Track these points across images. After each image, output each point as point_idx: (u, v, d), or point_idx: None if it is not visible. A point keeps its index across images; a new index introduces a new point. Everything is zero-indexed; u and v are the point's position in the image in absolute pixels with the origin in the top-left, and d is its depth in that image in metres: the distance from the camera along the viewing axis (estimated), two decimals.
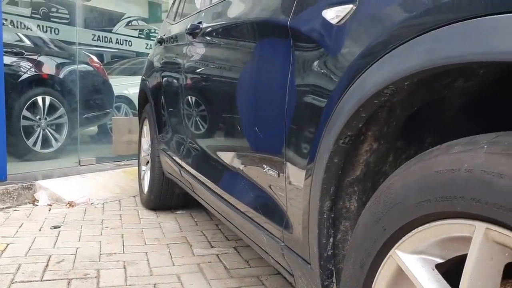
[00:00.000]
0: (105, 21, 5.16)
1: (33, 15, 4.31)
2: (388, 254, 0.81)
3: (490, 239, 0.64)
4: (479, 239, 0.65)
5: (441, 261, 0.76)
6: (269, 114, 1.34)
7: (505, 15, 0.62)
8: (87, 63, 5.46)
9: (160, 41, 3.13)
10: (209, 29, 2.01)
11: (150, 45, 5.45)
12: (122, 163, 4.70)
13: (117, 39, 4.93)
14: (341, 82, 0.95)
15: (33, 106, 4.80)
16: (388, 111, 0.91)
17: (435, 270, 0.76)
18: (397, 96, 0.85)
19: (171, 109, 2.67)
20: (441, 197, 0.69)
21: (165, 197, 3.22)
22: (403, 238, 0.78)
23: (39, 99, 4.83)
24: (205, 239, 2.73)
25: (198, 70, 2.14)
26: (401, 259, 0.79)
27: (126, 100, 6.88)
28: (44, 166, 4.44)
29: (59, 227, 2.90)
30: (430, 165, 0.73)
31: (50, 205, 3.44)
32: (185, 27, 2.34)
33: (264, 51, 1.42)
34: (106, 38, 4.96)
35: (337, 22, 0.99)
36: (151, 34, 5.53)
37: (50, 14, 4.48)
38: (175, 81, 2.54)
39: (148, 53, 5.83)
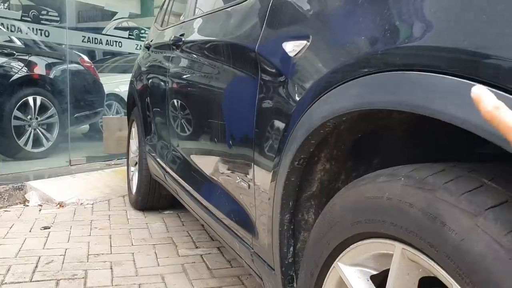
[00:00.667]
0: (96, 21, 5.24)
1: (23, 17, 4.38)
2: (332, 266, 0.93)
3: (406, 257, 0.76)
4: (397, 257, 0.77)
5: (375, 272, 0.88)
6: (241, 130, 1.45)
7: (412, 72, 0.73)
8: (78, 63, 5.54)
9: (148, 47, 3.23)
10: (190, 44, 2.12)
11: (140, 46, 5.53)
12: (112, 163, 4.80)
13: (107, 40, 5.01)
14: (296, 111, 1.06)
15: (24, 106, 4.88)
16: (336, 137, 1.03)
17: (369, 280, 0.88)
18: (342, 125, 0.96)
19: (157, 115, 2.77)
20: (369, 219, 0.81)
21: (153, 198, 3.33)
22: (343, 252, 0.90)
23: (30, 99, 4.91)
24: (191, 239, 2.85)
25: (180, 81, 2.24)
26: (342, 270, 0.91)
27: (117, 98, 6.95)
28: (35, 166, 4.53)
29: (49, 228, 3.00)
30: (361, 191, 0.84)
31: (41, 206, 3.54)
32: (170, 37, 2.44)
33: (237, 70, 1.53)
34: (96, 40, 5.04)
35: (294, 55, 1.10)
36: (141, 34, 5.61)
37: (40, 16, 4.55)
38: (160, 88, 2.64)
39: (138, 53, 5.94)
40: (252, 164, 1.34)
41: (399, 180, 0.76)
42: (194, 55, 2.06)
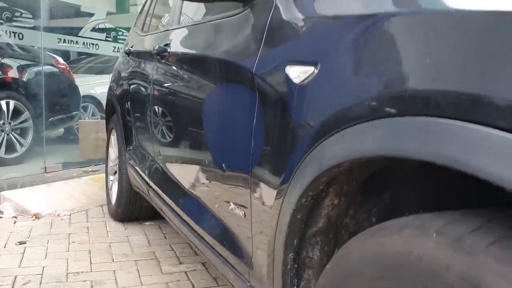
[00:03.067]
0: (72, 22, 5.07)
1: None
2: None
3: None
4: None
5: None
6: (237, 157, 1.36)
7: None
8: (53, 65, 5.36)
9: (128, 53, 3.11)
10: (176, 56, 2.02)
11: (118, 48, 5.37)
12: (90, 169, 4.65)
13: (83, 42, 4.85)
14: (303, 144, 0.98)
15: None
16: (347, 173, 0.95)
17: None
18: (355, 164, 0.89)
19: (139, 125, 2.66)
20: (394, 276, 0.73)
21: (133, 210, 3.21)
22: None
23: (3, 103, 4.72)
24: (174, 254, 2.74)
25: (165, 95, 2.14)
26: None
27: (93, 100, 6.77)
28: (8, 172, 4.35)
29: (25, 243, 2.86)
30: (384, 243, 0.76)
31: (16, 217, 3.38)
32: (153, 46, 2.33)
33: (232, 91, 1.44)
34: (72, 42, 4.87)
35: (299, 82, 1.02)
36: (119, 36, 5.45)
37: (14, 18, 4.37)
38: (142, 98, 2.53)
39: (116, 56, 5.77)
40: (250, 194, 1.25)
41: (431, 236, 0.68)
42: (181, 69, 1.96)
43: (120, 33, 5.48)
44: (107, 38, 5.17)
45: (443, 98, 0.67)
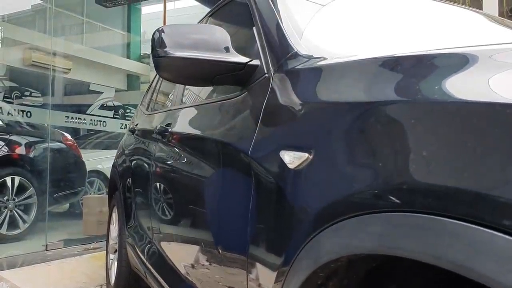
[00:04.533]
0: (81, 100, 5.19)
1: (5, 99, 4.30)
2: None
3: None
4: None
5: None
6: (232, 240, 1.30)
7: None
8: (60, 141, 5.42)
9: (133, 131, 3.12)
10: (176, 136, 2.01)
11: (125, 125, 5.45)
12: (91, 247, 4.55)
13: (91, 120, 4.93)
14: (299, 234, 0.92)
15: (1, 187, 4.69)
16: (347, 267, 0.89)
17: None
18: (355, 257, 0.83)
19: (138, 203, 2.61)
20: None
21: None
22: None
23: (8, 179, 4.73)
24: None
25: (165, 173, 2.11)
26: None
27: (100, 175, 6.79)
28: (9, 249, 4.27)
29: None
30: None
31: None
32: (156, 126, 2.34)
33: (228, 173, 1.41)
34: (80, 120, 4.95)
35: (294, 167, 0.98)
36: (126, 114, 5.55)
37: (23, 97, 4.48)
38: (143, 177, 2.50)
39: (123, 133, 5.84)
40: (246, 278, 1.19)
41: None
42: (181, 149, 1.94)
43: (128, 110, 5.58)
44: (115, 116, 5.26)
45: (443, 194, 0.62)
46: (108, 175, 6.79)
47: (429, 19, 1.85)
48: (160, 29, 1.50)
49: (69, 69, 7.90)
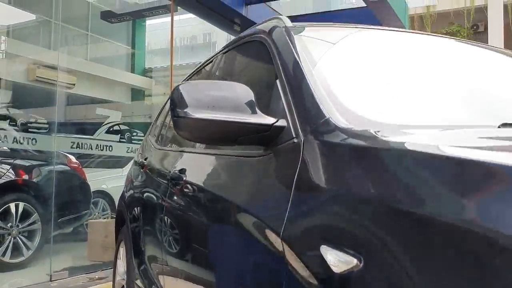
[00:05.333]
0: (87, 126, 5.11)
1: (10, 125, 4.22)
2: None
3: None
4: None
5: None
6: None
7: None
8: (65, 164, 5.32)
9: (141, 165, 3.02)
10: (192, 188, 1.90)
11: (132, 149, 5.35)
12: (96, 276, 4.44)
13: (97, 144, 4.84)
14: None
15: (5, 213, 4.59)
16: None
17: None
18: None
19: (149, 248, 2.51)
20: None
21: None
22: None
23: (12, 206, 4.63)
24: None
25: (176, 223, 2.01)
26: None
27: (104, 195, 6.70)
28: (13, 278, 4.17)
29: None
30: None
31: None
32: (169, 170, 2.24)
33: (253, 246, 1.30)
34: (86, 145, 4.87)
35: (340, 272, 0.88)
36: (133, 137, 5.46)
37: (29, 124, 4.40)
38: (154, 220, 2.40)
39: (130, 156, 5.73)
40: None
41: None
42: (197, 205, 1.83)
43: (134, 133, 5.50)
44: (121, 139, 5.17)
45: None
46: (113, 195, 6.74)
47: (468, 69, 1.75)
48: (179, 87, 1.41)
49: (73, 84, 7.87)
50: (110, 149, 4.97)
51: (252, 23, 6.69)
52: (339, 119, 1.19)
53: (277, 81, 1.53)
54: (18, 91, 8.11)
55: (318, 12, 7.21)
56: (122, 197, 3.36)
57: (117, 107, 8.77)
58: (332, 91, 1.34)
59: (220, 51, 2.47)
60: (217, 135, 1.41)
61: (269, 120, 1.36)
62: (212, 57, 2.60)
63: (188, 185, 1.94)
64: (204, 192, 1.81)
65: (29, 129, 4.42)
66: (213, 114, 1.33)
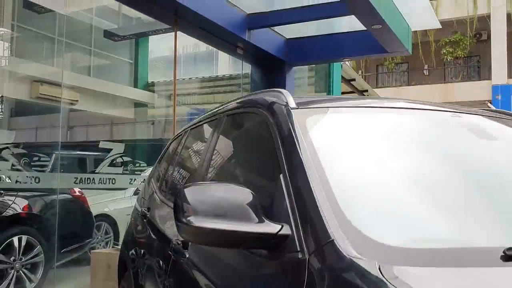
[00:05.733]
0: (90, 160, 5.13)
1: (13, 167, 4.22)
2: None
3: None
4: None
5: None
6: None
7: None
8: (68, 193, 5.33)
9: (144, 216, 3.02)
10: (195, 270, 1.89)
11: (135, 180, 5.35)
12: None
13: (100, 178, 4.84)
14: None
15: (8, 247, 4.59)
16: None
17: None
18: None
19: None
20: None
21: None
22: None
23: (15, 239, 4.63)
24: None
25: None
26: None
27: (107, 218, 6.69)
28: None
29: None
30: None
31: None
32: (171, 239, 2.22)
33: None
34: (88, 180, 4.87)
35: None
36: (135, 168, 5.46)
37: (32, 163, 4.40)
38: (157, 276, 2.39)
39: (133, 189, 5.71)
40: None
41: None
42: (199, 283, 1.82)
43: (137, 165, 5.50)
44: (124, 172, 5.17)
45: None
46: (115, 218, 6.73)
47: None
48: (185, 191, 1.41)
49: (77, 101, 7.90)
50: (113, 182, 4.98)
51: (255, 47, 6.69)
52: (344, 243, 1.17)
53: (281, 176, 1.52)
54: (20, 108, 8.16)
55: (321, 35, 7.18)
56: (125, 242, 3.36)
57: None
58: (337, 201, 1.32)
59: (220, 110, 2.47)
60: (220, 242, 1.40)
61: (273, 228, 1.35)
62: (212, 115, 2.60)
63: (190, 263, 1.93)
64: (207, 278, 1.79)
65: (33, 168, 4.43)
66: (216, 223, 1.33)
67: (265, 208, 1.46)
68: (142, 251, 2.84)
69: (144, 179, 6.48)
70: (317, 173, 1.41)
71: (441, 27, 6.59)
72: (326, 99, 2.30)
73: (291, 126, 1.64)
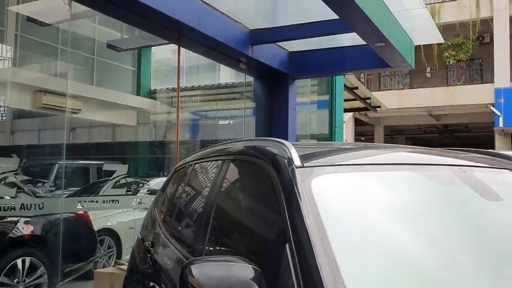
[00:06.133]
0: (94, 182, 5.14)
1: (17, 194, 4.23)
2: None
3: None
4: None
5: None
6: None
7: None
8: (72, 213, 5.33)
9: (147, 250, 3.02)
10: None
11: (138, 200, 5.35)
12: None
13: (103, 200, 4.85)
14: None
15: (12, 269, 4.60)
16: None
17: None
18: None
19: None
20: None
21: None
22: None
23: (19, 262, 4.64)
24: None
25: None
26: None
27: (110, 232, 6.69)
28: None
29: None
30: None
31: None
32: (175, 281, 2.23)
33: None
34: (92, 203, 4.87)
35: None
36: (139, 189, 5.47)
37: (36, 189, 4.41)
38: None
39: (137, 207, 5.71)
40: None
41: None
42: None
43: (140, 185, 5.50)
44: (128, 192, 5.17)
45: None
46: (118, 232, 6.74)
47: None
48: (191, 268, 1.42)
49: (79, 109, 7.92)
50: (117, 203, 4.98)
51: (258, 62, 6.69)
52: None
53: (287, 247, 1.52)
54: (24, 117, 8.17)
55: (324, 48, 7.18)
56: (130, 275, 3.36)
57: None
58: (344, 282, 1.32)
59: (225, 152, 2.48)
60: None
61: None
62: (217, 154, 2.60)
63: None
64: None
65: (37, 194, 4.44)
66: None
67: (271, 281, 1.47)
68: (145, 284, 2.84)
69: (148, 189, 6.52)
70: (324, 251, 1.41)
71: (443, 41, 6.57)
72: (329, 150, 2.30)
73: (296, 192, 1.63)
